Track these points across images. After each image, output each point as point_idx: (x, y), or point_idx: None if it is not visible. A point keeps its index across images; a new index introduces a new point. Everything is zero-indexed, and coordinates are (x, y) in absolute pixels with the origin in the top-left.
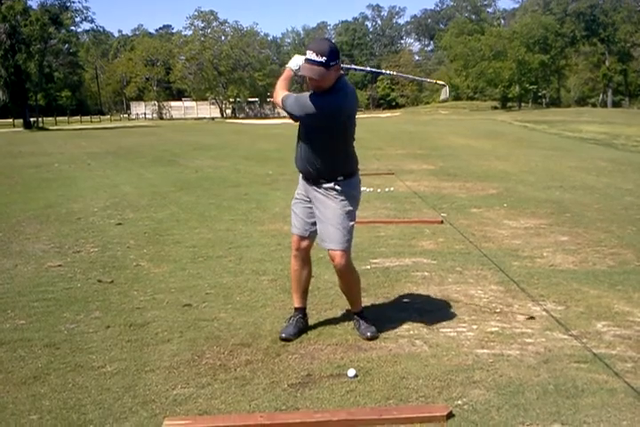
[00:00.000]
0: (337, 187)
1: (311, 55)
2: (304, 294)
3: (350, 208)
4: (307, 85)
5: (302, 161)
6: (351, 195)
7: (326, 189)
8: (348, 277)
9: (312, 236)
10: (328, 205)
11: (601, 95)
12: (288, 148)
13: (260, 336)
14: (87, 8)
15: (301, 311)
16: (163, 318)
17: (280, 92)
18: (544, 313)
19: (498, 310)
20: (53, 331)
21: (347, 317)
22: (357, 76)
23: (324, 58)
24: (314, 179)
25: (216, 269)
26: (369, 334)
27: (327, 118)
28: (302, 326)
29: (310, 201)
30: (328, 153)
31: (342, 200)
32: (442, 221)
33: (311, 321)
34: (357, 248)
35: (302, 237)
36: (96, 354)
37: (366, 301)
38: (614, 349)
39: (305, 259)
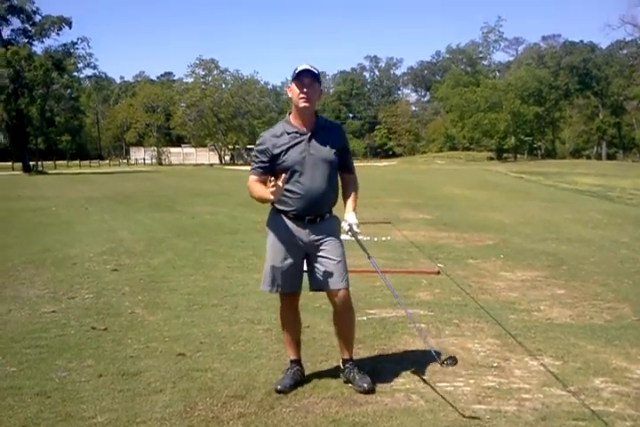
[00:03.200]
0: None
1: (306, 67)
2: (299, 345)
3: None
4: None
5: None
6: None
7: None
8: (351, 316)
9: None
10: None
11: (595, 147)
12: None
13: (254, 388)
14: (90, 54)
15: (298, 363)
16: (156, 367)
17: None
18: (541, 368)
19: (495, 365)
20: (45, 379)
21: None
22: (355, 124)
23: (317, 72)
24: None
25: (211, 317)
26: (366, 385)
27: None
28: (299, 378)
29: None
30: None
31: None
32: (438, 272)
33: (306, 373)
34: (353, 298)
35: (296, 293)
36: (87, 404)
37: (362, 353)
38: (613, 406)
39: (297, 311)
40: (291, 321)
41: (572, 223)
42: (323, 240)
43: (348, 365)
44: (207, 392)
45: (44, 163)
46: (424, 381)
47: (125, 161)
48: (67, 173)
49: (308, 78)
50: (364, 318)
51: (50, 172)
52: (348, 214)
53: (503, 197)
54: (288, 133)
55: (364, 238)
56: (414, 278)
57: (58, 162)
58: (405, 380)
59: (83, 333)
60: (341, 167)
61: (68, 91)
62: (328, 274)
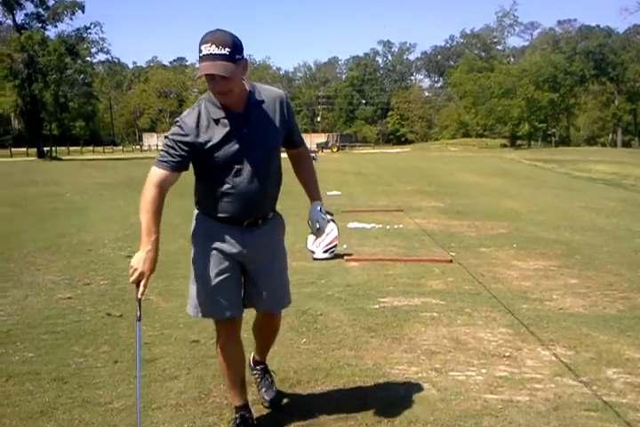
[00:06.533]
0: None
1: (209, 49)
2: (244, 386)
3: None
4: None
5: None
6: None
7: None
8: (276, 332)
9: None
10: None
11: (610, 134)
12: (296, 182)
13: None
14: (103, 39)
15: (245, 409)
16: (171, 353)
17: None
18: (554, 358)
19: (507, 354)
20: (62, 365)
21: (356, 357)
22: (368, 111)
23: (228, 49)
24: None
25: None
26: (267, 397)
27: None
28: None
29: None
30: None
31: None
32: (451, 261)
33: (319, 361)
34: (366, 286)
35: (237, 319)
36: (103, 389)
37: (374, 341)
38: (625, 397)
39: (239, 341)
40: (233, 355)
41: (585, 212)
42: (261, 250)
43: (258, 367)
44: (221, 379)
45: (57, 149)
46: (436, 370)
47: (138, 147)
48: (80, 158)
49: (216, 75)
50: (376, 306)
51: (64, 158)
52: (314, 208)
53: (516, 185)
54: (215, 121)
55: (377, 226)
56: (426, 267)
57: (71, 148)
58: (417, 369)
59: (98, 319)
60: (287, 144)
61: (82, 76)
62: (262, 293)
